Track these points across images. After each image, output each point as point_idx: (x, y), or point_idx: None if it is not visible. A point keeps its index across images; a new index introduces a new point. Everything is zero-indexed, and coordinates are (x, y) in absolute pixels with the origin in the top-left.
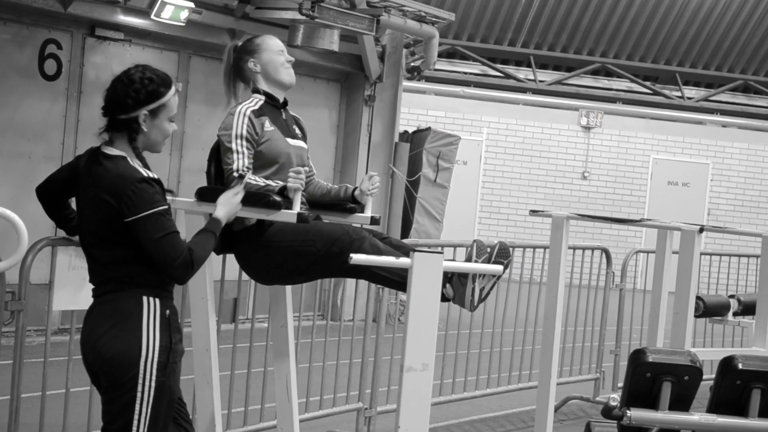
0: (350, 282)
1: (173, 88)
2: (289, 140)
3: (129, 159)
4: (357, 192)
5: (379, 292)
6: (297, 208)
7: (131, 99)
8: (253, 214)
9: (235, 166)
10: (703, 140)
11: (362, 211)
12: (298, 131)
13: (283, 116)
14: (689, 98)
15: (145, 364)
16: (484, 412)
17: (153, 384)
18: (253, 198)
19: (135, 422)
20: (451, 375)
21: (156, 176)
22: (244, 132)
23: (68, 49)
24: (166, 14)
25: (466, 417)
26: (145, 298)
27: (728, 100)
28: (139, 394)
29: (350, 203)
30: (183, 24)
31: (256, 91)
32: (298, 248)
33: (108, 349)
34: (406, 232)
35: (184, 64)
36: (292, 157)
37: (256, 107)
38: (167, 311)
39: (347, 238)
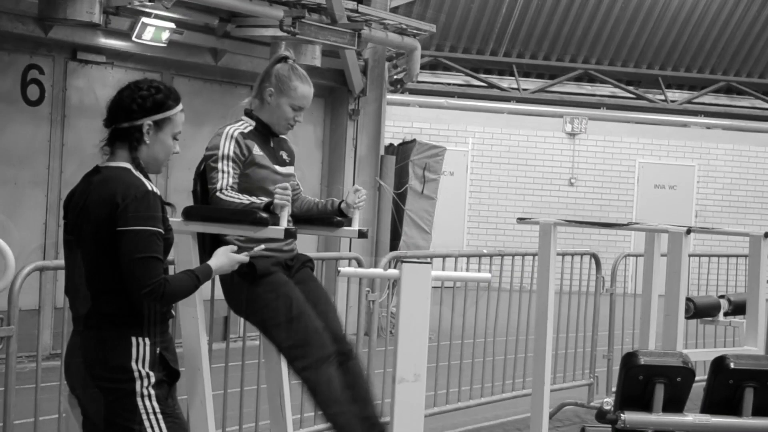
0: (341, 296)
1: (181, 105)
2: (278, 167)
3: (132, 171)
4: (343, 205)
5: (370, 306)
6: (284, 224)
7: (137, 105)
8: (240, 231)
9: (218, 185)
10: (688, 142)
11: (349, 225)
12: (285, 157)
13: (271, 144)
14: (673, 101)
15: (143, 400)
16: (479, 422)
17: (159, 416)
18: (240, 215)
19: None
20: (444, 385)
21: (158, 191)
22: (230, 153)
23: (50, 74)
24: (148, 35)
25: (461, 427)
26: (133, 339)
27: (712, 101)
28: (149, 430)
29: (337, 217)
30: (165, 45)
31: (249, 114)
32: (273, 323)
33: (100, 397)
34: (395, 244)
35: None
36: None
37: (245, 131)
38: (158, 349)
39: (315, 353)
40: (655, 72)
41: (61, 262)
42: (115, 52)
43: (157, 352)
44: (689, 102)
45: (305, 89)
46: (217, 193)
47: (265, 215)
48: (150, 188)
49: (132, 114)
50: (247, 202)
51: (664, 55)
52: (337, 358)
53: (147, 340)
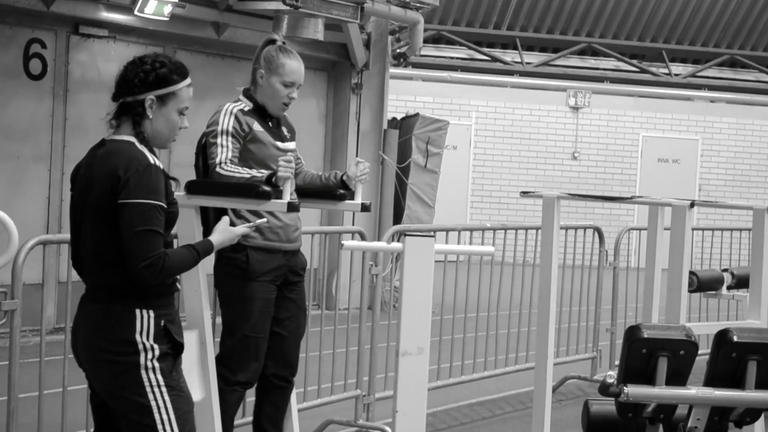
0: (344, 270)
1: (188, 80)
2: (279, 143)
3: (136, 144)
4: (345, 177)
5: (373, 279)
6: (287, 197)
7: (139, 80)
8: (243, 205)
9: (217, 160)
10: (691, 116)
11: (352, 198)
12: (286, 132)
13: (270, 123)
14: (676, 75)
15: (147, 373)
16: (483, 395)
17: (164, 389)
18: (242, 188)
19: (161, 429)
20: (448, 359)
21: (161, 165)
22: (230, 128)
23: (53, 48)
24: (150, 9)
25: (464, 401)
26: (137, 312)
27: (715, 75)
28: (153, 403)
29: (340, 189)
30: (167, 19)
31: (248, 95)
32: (230, 325)
33: (106, 370)
34: (398, 218)
35: None
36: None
37: (245, 109)
38: (162, 321)
39: (239, 374)
40: (659, 45)
41: (65, 236)
42: (118, 26)
43: (162, 324)
44: (693, 76)
45: (293, 64)
46: (216, 168)
47: (267, 188)
48: (152, 162)
49: (135, 88)
50: (248, 175)
51: (667, 29)
52: (277, 381)
53: (151, 313)
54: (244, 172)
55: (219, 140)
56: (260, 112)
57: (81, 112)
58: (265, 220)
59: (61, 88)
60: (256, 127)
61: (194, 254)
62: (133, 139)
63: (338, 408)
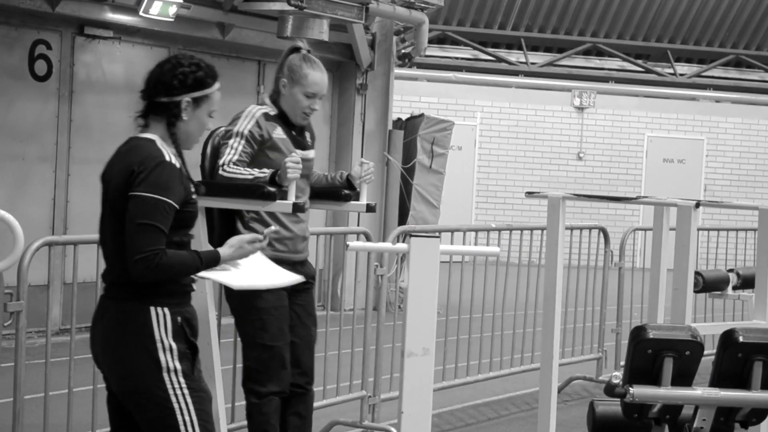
0: (349, 271)
1: (218, 84)
2: (299, 151)
3: (157, 142)
4: (350, 177)
5: (378, 280)
6: (292, 197)
7: (178, 81)
8: (248, 206)
9: (221, 161)
10: (697, 116)
11: (358, 199)
12: (309, 139)
13: (293, 130)
14: (682, 75)
15: (168, 374)
16: (488, 396)
17: (186, 391)
18: (247, 190)
19: (183, 430)
20: (453, 360)
21: (178, 165)
22: (245, 131)
23: (58, 49)
24: (155, 10)
25: (469, 401)
26: (152, 309)
27: (721, 75)
28: (176, 405)
29: (345, 190)
30: (172, 20)
31: (275, 101)
32: (249, 339)
33: (125, 371)
34: (403, 219)
35: None
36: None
37: (270, 113)
38: (179, 318)
39: (269, 385)
40: (664, 45)
41: (70, 237)
42: (123, 27)
43: (179, 321)
44: (698, 75)
45: (316, 75)
46: (219, 170)
47: (272, 189)
48: (167, 159)
49: (172, 89)
50: (251, 176)
51: (672, 28)
52: (294, 389)
53: (166, 310)
54: (247, 173)
55: (231, 141)
56: (285, 118)
57: (86, 112)
58: (274, 228)
59: (67, 89)
60: (278, 133)
61: (196, 261)
62: (155, 137)
63: (343, 409)
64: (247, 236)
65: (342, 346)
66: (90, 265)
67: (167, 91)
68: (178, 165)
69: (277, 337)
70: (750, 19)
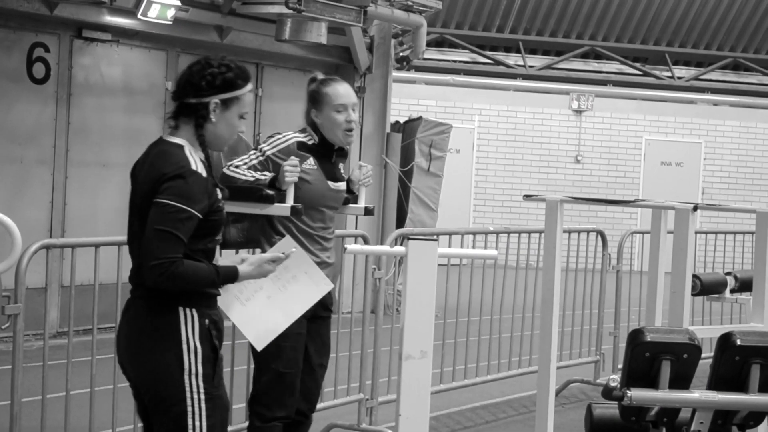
0: (347, 274)
1: (250, 85)
2: (331, 183)
3: (185, 149)
4: (348, 181)
5: (376, 283)
6: (290, 201)
7: (206, 82)
8: (246, 209)
9: (229, 162)
10: (694, 119)
11: (356, 202)
12: (342, 171)
13: (333, 159)
14: (679, 78)
15: (189, 378)
16: (486, 399)
17: (203, 397)
18: (245, 192)
19: None
20: (451, 363)
21: (205, 174)
22: (269, 153)
23: (56, 52)
24: (153, 13)
25: (467, 404)
26: (181, 310)
27: (719, 78)
28: (189, 409)
29: (344, 193)
30: (170, 22)
31: (314, 127)
32: (263, 363)
33: (148, 368)
34: (401, 222)
35: (173, 62)
36: (329, 201)
37: (308, 142)
38: (206, 320)
39: (275, 410)
40: (662, 48)
41: (68, 240)
42: (121, 30)
43: (206, 323)
44: (696, 79)
45: (338, 88)
46: (224, 169)
47: (271, 192)
48: (194, 168)
49: (200, 90)
50: (252, 178)
51: (671, 32)
52: (296, 416)
53: (194, 311)
54: (249, 175)
55: (251, 152)
56: (323, 150)
57: (84, 115)
58: (293, 249)
59: (65, 91)
60: (308, 164)
61: (213, 275)
62: (184, 142)
63: (341, 412)
64: (267, 255)
65: (340, 349)
66: (87, 268)
67: (195, 92)
68: (204, 174)
69: (291, 364)
70: (748, 22)
